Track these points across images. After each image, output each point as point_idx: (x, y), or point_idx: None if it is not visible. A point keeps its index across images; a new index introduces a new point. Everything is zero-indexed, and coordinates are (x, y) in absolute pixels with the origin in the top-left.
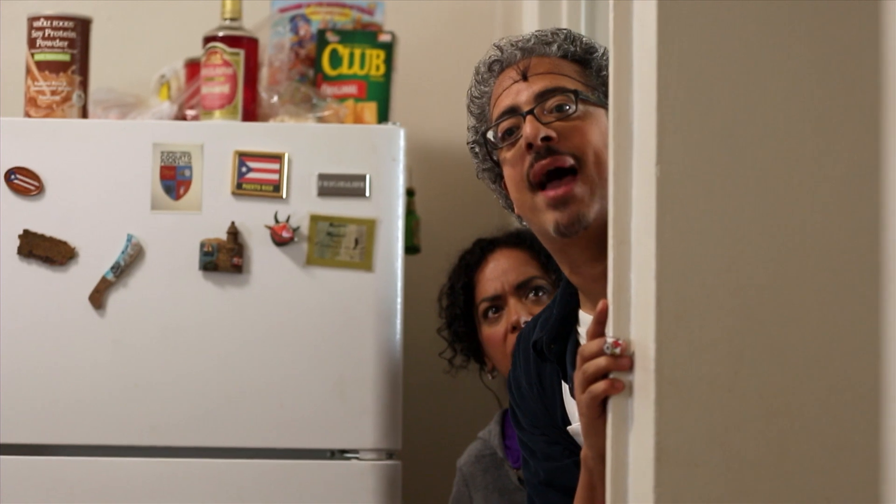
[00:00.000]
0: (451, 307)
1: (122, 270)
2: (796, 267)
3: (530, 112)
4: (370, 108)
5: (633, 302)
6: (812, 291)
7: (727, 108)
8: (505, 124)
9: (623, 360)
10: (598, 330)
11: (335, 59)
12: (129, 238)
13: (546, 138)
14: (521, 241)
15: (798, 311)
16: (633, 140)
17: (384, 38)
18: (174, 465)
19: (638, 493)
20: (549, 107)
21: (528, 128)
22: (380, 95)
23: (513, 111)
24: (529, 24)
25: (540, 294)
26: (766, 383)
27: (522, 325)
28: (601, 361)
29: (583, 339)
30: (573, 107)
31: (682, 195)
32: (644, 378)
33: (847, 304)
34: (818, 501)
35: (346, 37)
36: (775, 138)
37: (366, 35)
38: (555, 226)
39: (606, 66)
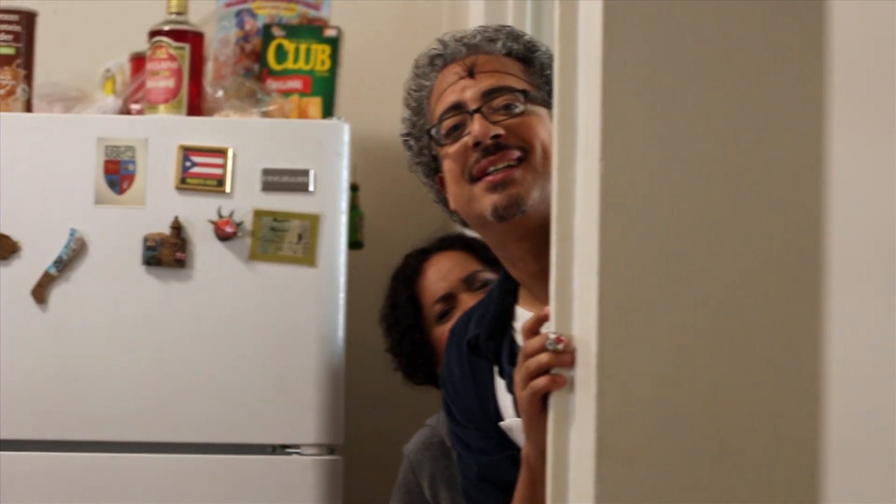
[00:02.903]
0: (400, 322)
1: (64, 265)
2: (739, 263)
3: (478, 110)
4: (315, 104)
5: (576, 297)
6: (755, 288)
7: (671, 104)
8: (450, 121)
9: (565, 355)
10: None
11: (280, 54)
12: (73, 232)
13: (495, 136)
14: (452, 243)
15: (740, 307)
16: (578, 135)
17: (330, 33)
18: (115, 459)
19: (579, 489)
20: (496, 105)
21: (477, 126)
22: (325, 91)
23: (458, 107)
24: (475, 22)
25: (490, 285)
26: (708, 379)
27: None
28: (543, 357)
29: (518, 336)
30: (521, 106)
31: (626, 191)
32: (586, 373)
33: (789, 300)
34: (759, 497)
35: (292, 32)
36: (719, 135)
37: (311, 30)
38: (492, 208)
39: (548, 65)
